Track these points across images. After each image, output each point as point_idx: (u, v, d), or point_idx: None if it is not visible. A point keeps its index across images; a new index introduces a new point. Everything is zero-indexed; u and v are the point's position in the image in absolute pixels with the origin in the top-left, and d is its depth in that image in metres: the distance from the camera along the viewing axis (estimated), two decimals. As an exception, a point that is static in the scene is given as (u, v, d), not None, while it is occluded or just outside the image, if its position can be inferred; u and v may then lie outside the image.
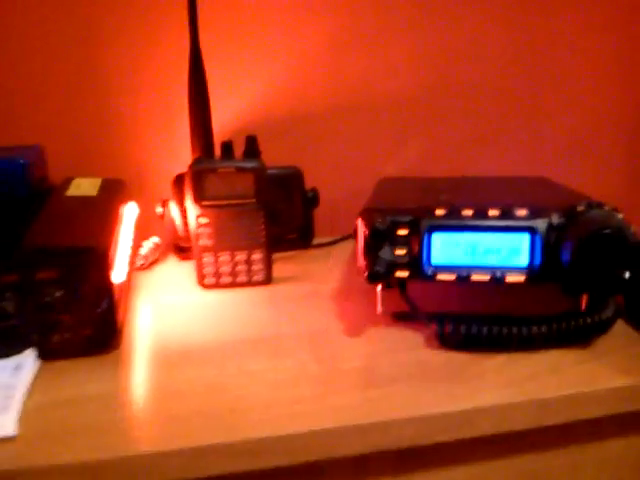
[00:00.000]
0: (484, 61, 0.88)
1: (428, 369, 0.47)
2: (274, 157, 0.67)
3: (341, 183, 0.84)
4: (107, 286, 0.48)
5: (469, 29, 0.87)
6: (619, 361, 0.47)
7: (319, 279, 0.67)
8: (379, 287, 0.54)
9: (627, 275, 0.44)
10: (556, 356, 0.48)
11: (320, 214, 0.77)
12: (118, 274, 0.52)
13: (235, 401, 0.43)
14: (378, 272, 0.48)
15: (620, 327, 0.52)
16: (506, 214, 0.49)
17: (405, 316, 0.55)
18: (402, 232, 0.50)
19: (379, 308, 0.56)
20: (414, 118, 0.87)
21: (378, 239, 0.49)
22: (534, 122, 0.92)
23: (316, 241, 0.78)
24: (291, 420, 0.40)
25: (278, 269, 0.68)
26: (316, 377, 0.46)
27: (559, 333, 0.49)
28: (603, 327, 0.50)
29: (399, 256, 0.50)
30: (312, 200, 0.74)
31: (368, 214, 0.50)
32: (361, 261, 0.51)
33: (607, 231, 0.44)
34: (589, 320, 0.49)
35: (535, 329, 0.49)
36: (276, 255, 0.70)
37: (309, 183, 0.75)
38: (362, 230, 0.50)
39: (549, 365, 0.47)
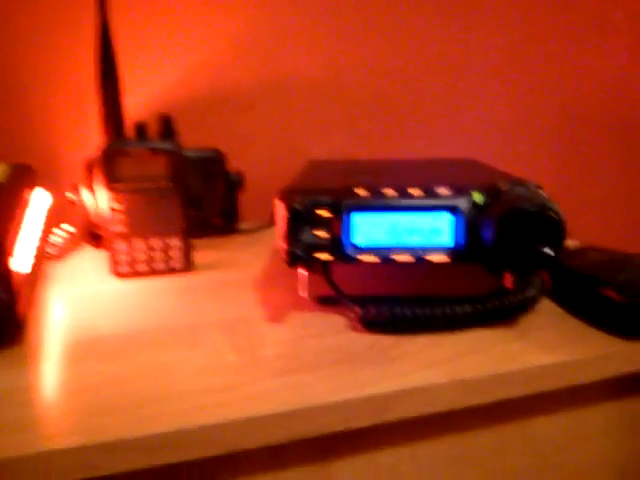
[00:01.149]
0: (409, 45, 0.87)
1: (352, 353, 0.45)
2: (196, 139, 0.64)
3: (269, 167, 0.82)
4: (4, 276, 0.44)
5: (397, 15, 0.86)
6: (545, 338, 0.47)
7: (243, 266, 0.65)
8: (304, 272, 0.51)
9: (549, 251, 0.43)
10: (481, 335, 0.48)
11: (247, 199, 0.75)
12: (20, 263, 0.48)
13: (146, 393, 0.40)
14: (297, 254, 0.46)
15: (546, 304, 0.52)
16: (428, 193, 0.48)
17: (330, 300, 0.53)
18: (323, 213, 0.48)
19: (303, 293, 0.53)
20: (343, 101, 0.85)
21: (297, 221, 0.46)
22: (463, 105, 0.91)
23: (242, 226, 0.75)
24: (204, 411, 0.38)
25: (200, 256, 0.65)
26: (233, 366, 0.43)
27: (483, 312, 0.48)
28: (528, 305, 0.50)
29: (320, 238, 0.48)
30: (236, 184, 0.71)
31: (287, 195, 0.48)
32: (281, 244, 0.48)
33: (529, 208, 0.43)
34: (513, 298, 0.49)
35: (459, 309, 0.48)
36: (199, 242, 0.67)
37: (235, 166, 0.72)
38: (281, 212, 0.48)
39: (474, 345, 0.46)
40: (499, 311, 0.49)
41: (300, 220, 0.47)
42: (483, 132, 0.93)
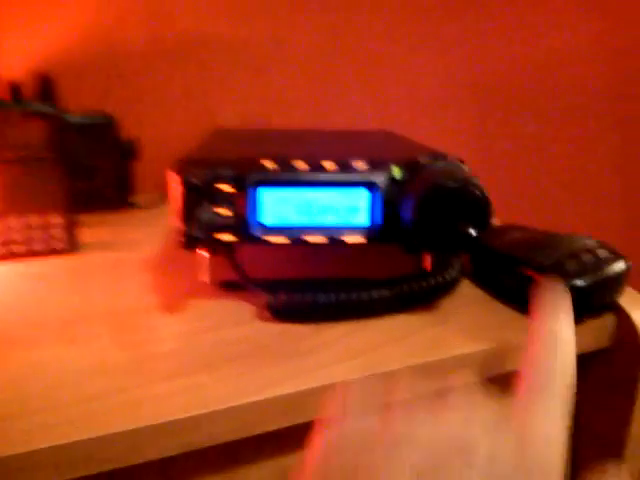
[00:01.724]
0: (325, 11, 0.81)
1: (258, 347, 0.40)
2: (82, 103, 0.56)
3: (169, 134, 0.74)
4: None
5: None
6: (465, 323, 0.44)
7: (137, 245, 0.58)
8: (204, 253, 0.45)
9: (472, 232, 0.40)
10: (400, 322, 0.44)
11: (143, 169, 0.67)
12: None
13: (13, 403, 0.33)
14: (195, 236, 0.40)
15: (466, 286, 0.49)
16: (343, 167, 0.43)
17: (234, 285, 0.47)
18: (225, 188, 0.42)
19: (204, 277, 0.48)
20: (254, 64, 0.79)
21: (195, 197, 0.40)
22: (382, 76, 0.87)
23: (138, 200, 0.68)
24: (81, 423, 0.32)
25: (88, 234, 0.58)
26: (120, 366, 0.37)
27: (402, 297, 0.45)
28: (448, 287, 0.47)
29: (221, 216, 0.42)
30: (129, 152, 0.64)
31: (182, 167, 0.41)
32: (176, 223, 0.42)
33: (451, 184, 0.39)
34: (433, 281, 0.45)
35: (376, 294, 0.44)
36: (88, 218, 0.59)
37: (129, 133, 0.64)
38: (176, 186, 0.42)
39: (392, 333, 0.42)
40: (418, 295, 0.45)
41: (198, 196, 0.41)
42: (402, 105, 0.89)
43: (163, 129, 0.74)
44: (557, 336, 0.32)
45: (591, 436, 0.49)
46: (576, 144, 1.05)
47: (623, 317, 0.46)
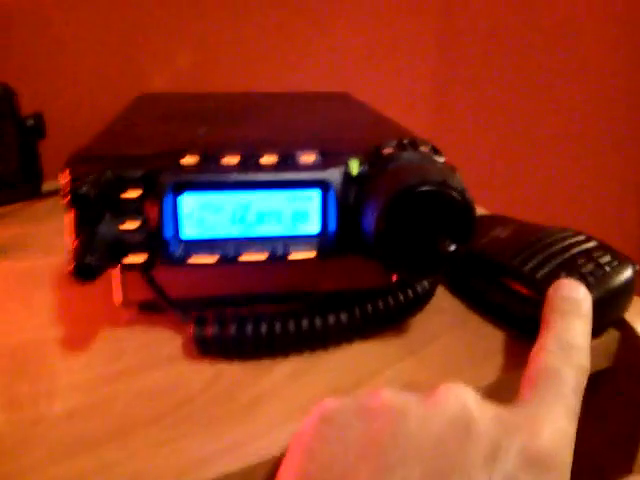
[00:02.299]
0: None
1: (183, 401, 0.31)
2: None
3: (85, 106, 0.62)
4: None
5: None
6: (447, 351, 0.36)
7: (41, 246, 0.47)
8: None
9: (452, 247, 0.31)
10: (362, 353, 0.36)
11: (54, 151, 0.55)
12: None
13: None
14: (89, 264, 0.30)
15: (442, 296, 0.41)
16: (287, 161, 0.33)
17: (154, 307, 0.38)
18: (131, 194, 0.32)
19: (118, 298, 0.38)
20: (186, 16, 0.66)
21: (88, 210, 0.30)
22: (333, 30, 0.76)
23: (47, 188, 0.57)
24: None
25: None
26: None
27: (364, 320, 0.36)
28: (421, 302, 0.38)
29: (129, 232, 0.32)
30: (33, 130, 0.52)
31: (70, 169, 0.31)
32: (68, 242, 0.32)
33: (425, 187, 0.30)
34: (402, 297, 0.37)
35: (332, 319, 0.35)
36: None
37: (31, 107, 0.53)
38: (64, 195, 0.31)
39: (355, 369, 0.34)
40: (384, 316, 0.36)
41: (92, 209, 0.30)
42: (359, 65, 0.78)
43: (74, 99, 0.62)
44: (570, 343, 0.29)
45: (590, 469, 0.42)
46: (566, 119, 0.96)
47: (627, 331, 0.38)
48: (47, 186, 0.57)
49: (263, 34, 0.70)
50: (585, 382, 0.29)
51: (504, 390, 0.34)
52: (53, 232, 0.45)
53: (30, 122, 0.52)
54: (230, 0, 0.67)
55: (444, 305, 0.40)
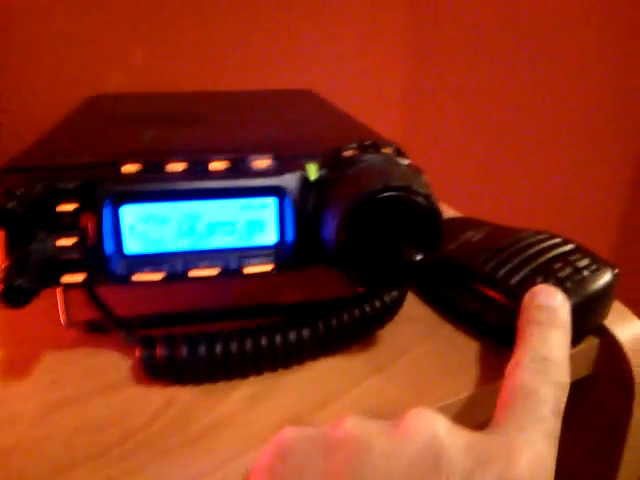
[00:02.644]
0: None
1: (130, 432, 0.29)
2: None
3: (33, 109, 0.59)
4: None
5: None
6: (417, 365, 0.33)
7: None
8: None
9: (419, 257, 0.28)
10: (328, 371, 0.33)
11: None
12: None
13: None
14: (19, 287, 0.27)
15: (411, 302, 0.38)
16: (238, 167, 0.30)
17: (102, 327, 0.35)
18: (66, 207, 0.29)
19: (62, 317, 0.35)
20: (142, 10, 0.63)
21: (18, 226, 0.27)
22: (298, 24, 0.73)
23: None
24: None
25: None
26: None
27: (326, 337, 0.33)
28: (389, 312, 0.36)
29: (65, 249, 0.29)
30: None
31: (2, 179, 0.28)
32: (0, 259, 0.29)
33: (388, 193, 0.28)
34: (369, 308, 0.34)
35: (293, 336, 0.32)
36: None
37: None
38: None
39: (318, 391, 0.31)
40: (350, 330, 0.34)
41: (23, 225, 0.27)
42: (324, 61, 0.75)
43: (21, 102, 0.58)
44: (547, 357, 0.27)
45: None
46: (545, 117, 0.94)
47: (607, 338, 0.36)
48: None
49: (223, 28, 0.67)
50: (565, 399, 0.27)
51: (480, 405, 0.32)
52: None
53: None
54: (182, 10, 0.64)
55: (414, 314, 0.38)
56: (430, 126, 0.86)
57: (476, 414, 0.32)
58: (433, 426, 0.23)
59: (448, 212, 0.42)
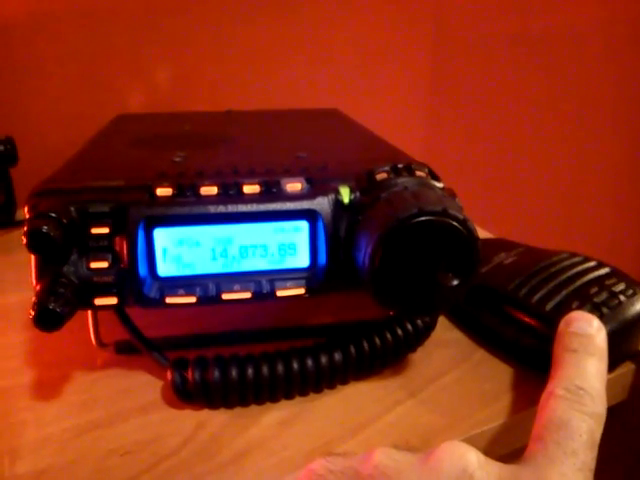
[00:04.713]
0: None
1: (162, 457, 0.28)
2: None
3: (59, 128, 0.59)
4: None
5: None
6: (450, 391, 0.33)
7: (14, 280, 0.44)
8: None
9: (455, 282, 0.28)
10: (359, 397, 0.32)
11: (27, 176, 0.52)
12: None
13: None
14: (54, 311, 0.27)
15: (442, 326, 0.38)
16: (271, 190, 0.30)
17: (131, 349, 0.35)
18: (99, 231, 0.29)
19: (92, 339, 0.35)
20: (162, 35, 0.64)
21: (50, 248, 0.27)
22: (322, 45, 0.73)
23: (22, 215, 0.53)
24: None
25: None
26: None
27: (359, 361, 0.33)
28: (421, 337, 0.35)
29: (98, 272, 0.29)
30: (5, 156, 0.49)
31: (30, 205, 0.28)
32: (34, 282, 0.29)
33: (423, 218, 0.27)
34: (401, 331, 0.34)
35: (325, 360, 0.32)
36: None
37: (1, 131, 0.50)
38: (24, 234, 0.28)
39: (351, 417, 0.31)
40: (382, 354, 0.33)
41: (56, 249, 0.27)
42: (349, 80, 0.75)
43: (47, 122, 0.59)
44: (582, 387, 0.26)
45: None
46: (572, 140, 0.93)
47: (643, 362, 0.35)
48: (21, 214, 0.54)
49: (245, 48, 0.67)
50: (601, 429, 0.26)
51: (515, 432, 0.31)
52: (27, 264, 0.41)
53: (0, 148, 0.49)
54: (210, 15, 0.65)
55: (446, 338, 0.37)
56: (453, 143, 0.86)
57: (511, 441, 0.31)
58: (463, 460, 0.22)
59: (479, 233, 0.41)
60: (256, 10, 0.67)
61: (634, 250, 1.08)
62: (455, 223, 0.28)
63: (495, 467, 0.23)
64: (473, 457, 0.23)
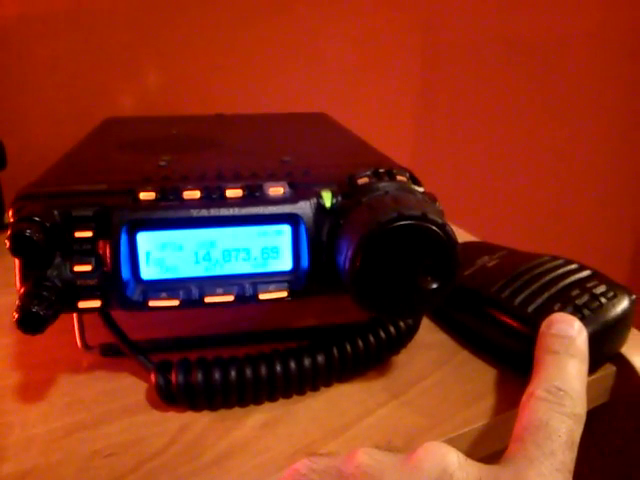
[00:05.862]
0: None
1: (144, 459, 0.28)
2: None
3: (48, 132, 0.59)
4: None
5: None
6: (433, 392, 0.33)
7: (1, 284, 0.44)
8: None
9: (435, 285, 0.28)
10: (342, 399, 0.33)
11: (16, 180, 0.53)
12: None
13: None
14: (37, 314, 0.27)
15: (425, 328, 0.38)
16: (254, 194, 0.31)
17: (116, 351, 0.35)
18: (82, 234, 0.29)
19: (78, 341, 0.35)
20: (153, 38, 0.64)
21: (33, 252, 0.28)
22: (311, 48, 0.73)
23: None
24: None
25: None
26: None
27: (343, 362, 0.33)
28: (405, 338, 0.35)
29: (82, 275, 0.29)
30: (-6, 159, 0.49)
31: (14, 208, 0.28)
32: (18, 285, 0.29)
33: (403, 222, 0.28)
34: (383, 334, 0.34)
35: (308, 362, 0.32)
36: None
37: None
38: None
39: (334, 419, 0.31)
40: (363, 357, 0.34)
41: (40, 253, 0.28)
42: (337, 85, 0.76)
43: (36, 125, 0.59)
44: (562, 388, 0.27)
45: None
46: (559, 141, 0.94)
47: (624, 366, 0.36)
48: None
49: (237, 52, 0.68)
50: (580, 430, 0.26)
51: (496, 433, 0.31)
52: (9, 266, 0.42)
53: (-9, 150, 0.49)
54: (201, 19, 0.65)
55: (429, 340, 0.38)
56: (441, 148, 0.86)
57: (493, 442, 0.32)
58: (444, 461, 0.23)
59: (462, 236, 0.42)
60: (247, 15, 0.67)
61: (620, 254, 1.08)
62: (434, 227, 0.28)
63: (475, 468, 0.23)
64: (454, 458, 0.23)
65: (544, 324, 0.31)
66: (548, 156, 0.95)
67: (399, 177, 0.31)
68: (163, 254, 0.30)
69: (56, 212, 0.28)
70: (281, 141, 0.45)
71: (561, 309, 0.33)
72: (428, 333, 0.38)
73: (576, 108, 0.93)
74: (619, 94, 0.96)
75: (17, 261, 0.29)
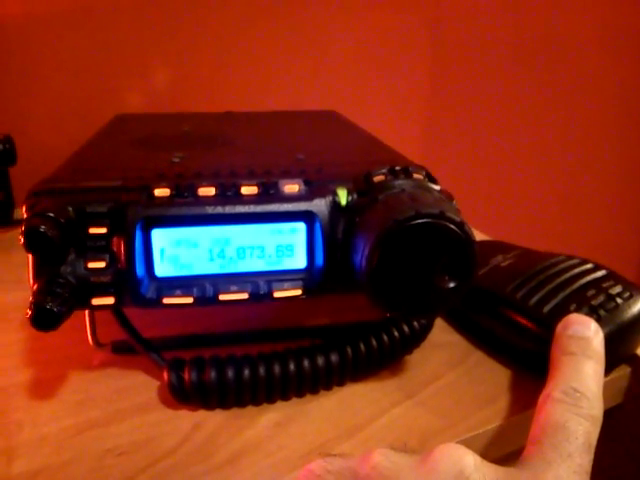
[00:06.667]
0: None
1: (157, 458, 0.28)
2: None
3: (58, 128, 0.59)
4: None
5: None
6: (448, 393, 0.33)
7: (12, 279, 0.44)
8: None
9: (452, 285, 0.28)
10: (355, 398, 0.33)
11: (25, 176, 0.52)
12: None
13: None
14: (51, 310, 0.27)
15: (438, 328, 0.38)
16: (269, 192, 0.30)
17: (128, 349, 0.35)
18: (97, 231, 0.29)
19: (89, 339, 0.35)
20: (162, 35, 0.64)
21: (47, 248, 0.27)
22: (321, 45, 0.73)
23: (20, 215, 0.53)
24: None
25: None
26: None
27: (356, 361, 0.33)
28: (418, 338, 0.35)
29: (95, 272, 0.29)
30: (3, 155, 0.49)
31: (28, 204, 0.28)
32: (31, 281, 0.29)
33: (420, 220, 0.27)
34: (397, 333, 0.34)
35: (321, 361, 0.32)
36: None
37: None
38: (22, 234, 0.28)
39: (347, 418, 0.31)
40: (377, 356, 0.33)
41: (53, 249, 0.27)
42: (347, 83, 0.75)
43: (46, 121, 0.59)
44: (579, 389, 0.26)
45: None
46: (572, 139, 0.93)
47: (639, 366, 0.35)
48: (19, 214, 0.54)
49: (246, 50, 0.68)
50: (597, 432, 0.26)
51: (512, 434, 0.31)
52: (25, 263, 0.41)
53: (1, 145, 0.49)
54: (210, 16, 0.65)
55: (443, 339, 0.37)
56: (452, 147, 0.86)
57: (507, 444, 0.31)
58: (460, 462, 0.22)
59: (474, 235, 0.41)
60: (256, 12, 0.67)
61: (632, 253, 1.08)
62: (452, 226, 0.28)
63: (491, 470, 0.23)
64: (470, 460, 0.23)
65: (560, 325, 0.31)
66: (559, 154, 0.94)
67: (415, 175, 0.31)
68: (178, 251, 0.30)
69: (70, 208, 0.28)
70: (293, 139, 0.45)
71: (577, 310, 0.32)
72: (442, 333, 0.38)
73: (587, 107, 0.93)
74: (630, 93, 0.96)
75: (31, 257, 0.28)
